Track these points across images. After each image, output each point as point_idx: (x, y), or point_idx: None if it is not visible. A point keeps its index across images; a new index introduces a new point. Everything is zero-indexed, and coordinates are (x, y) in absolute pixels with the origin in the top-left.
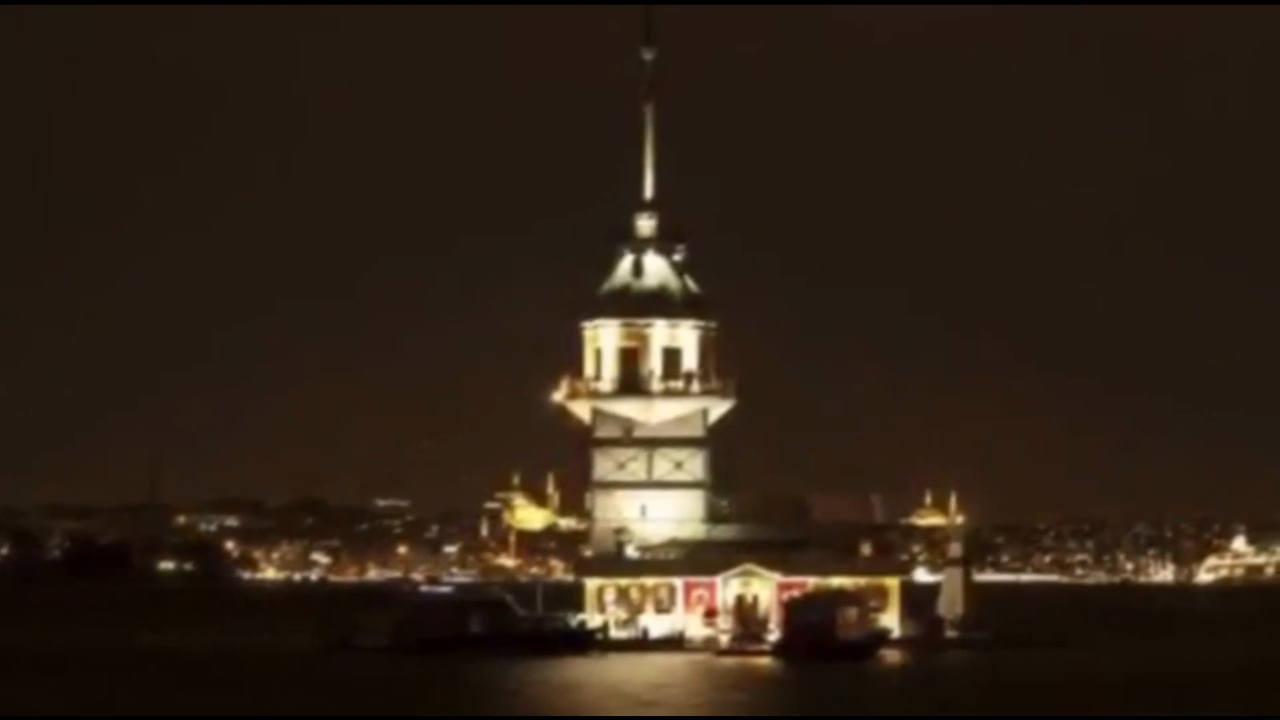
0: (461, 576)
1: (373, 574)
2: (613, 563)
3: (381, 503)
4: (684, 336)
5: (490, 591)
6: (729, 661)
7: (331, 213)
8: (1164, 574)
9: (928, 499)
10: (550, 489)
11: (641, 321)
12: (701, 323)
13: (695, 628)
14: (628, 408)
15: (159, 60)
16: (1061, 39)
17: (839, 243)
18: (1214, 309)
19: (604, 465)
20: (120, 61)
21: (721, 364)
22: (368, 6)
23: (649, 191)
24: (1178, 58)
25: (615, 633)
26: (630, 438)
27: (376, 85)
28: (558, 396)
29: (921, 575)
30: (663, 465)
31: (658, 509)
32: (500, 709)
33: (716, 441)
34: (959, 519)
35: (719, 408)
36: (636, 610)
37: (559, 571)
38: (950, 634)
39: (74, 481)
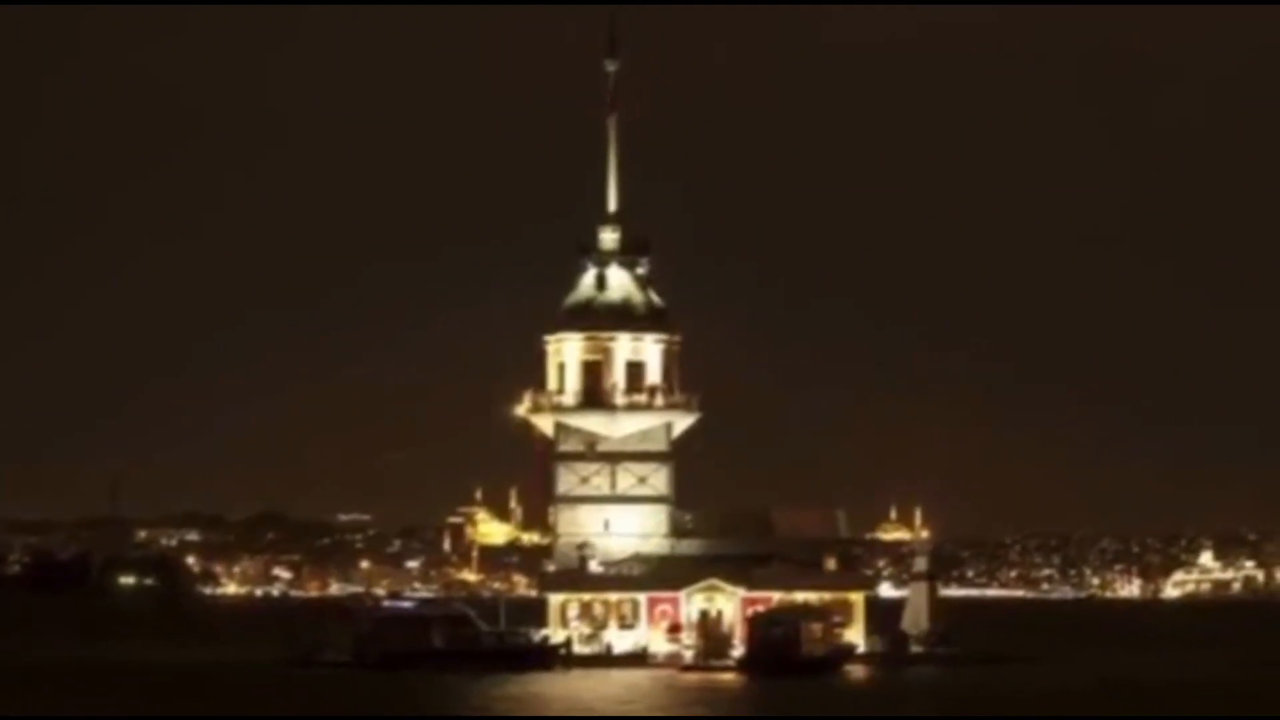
0: (424, 591)
1: (334, 589)
2: (576, 578)
3: (343, 517)
4: (647, 350)
5: (453, 606)
6: (693, 677)
7: (295, 227)
8: (1131, 589)
9: (893, 513)
10: (513, 503)
11: (605, 335)
12: (665, 336)
13: (659, 643)
14: (591, 422)
15: (129, 70)
16: (1031, 51)
17: (804, 255)
18: (1182, 322)
19: (567, 480)
20: (90, 71)
21: (685, 378)
22: (338, 21)
23: (612, 204)
24: (1148, 71)
25: (579, 648)
26: (593, 452)
27: (345, 99)
28: (520, 410)
29: (886, 590)
30: (626, 480)
31: (621, 523)
32: None
33: (680, 455)
34: (924, 533)
35: (683, 422)
36: (600, 625)
37: (522, 586)
38: (915, 649)
39: (33, 496)
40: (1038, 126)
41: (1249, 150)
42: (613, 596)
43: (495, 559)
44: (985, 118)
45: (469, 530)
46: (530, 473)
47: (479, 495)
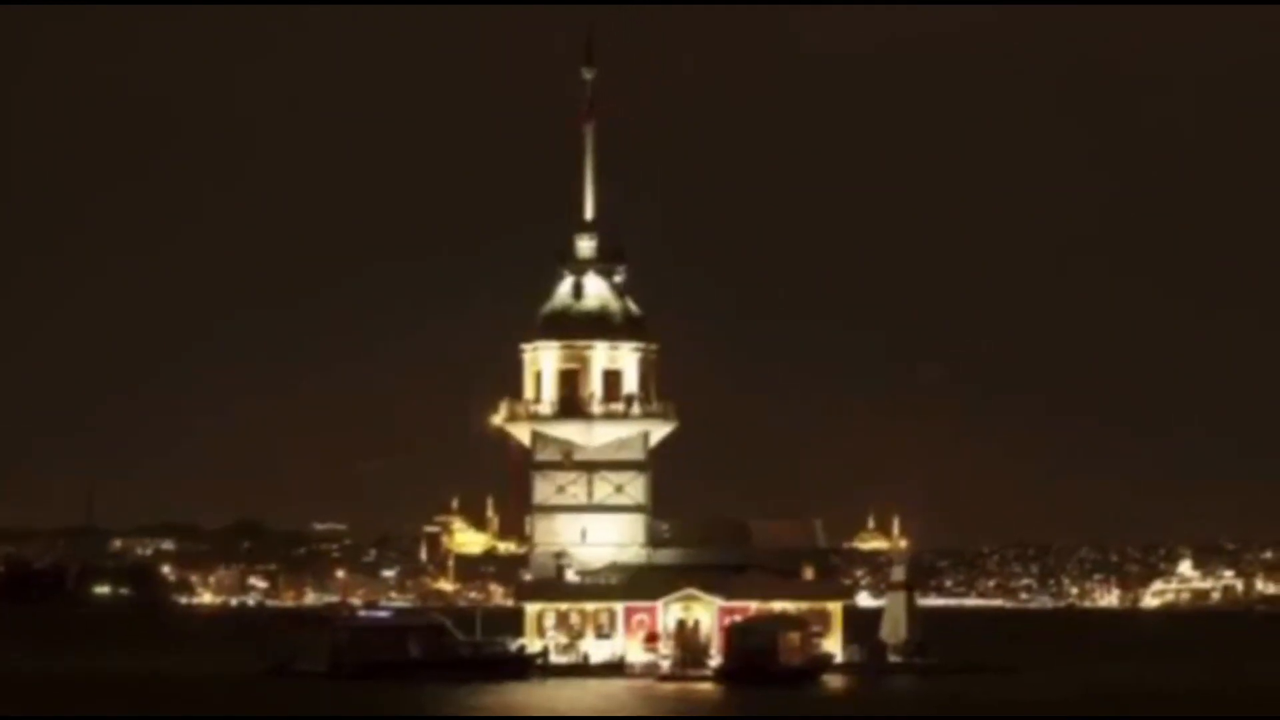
0: (400, 601)
1: (310, 598)
2: (553, 587)
3: (319, 526)
4: (624, 359)
5: (429, 616)
6: (670, 687)
7: (269, 236)
8: (1109, 598)
9: (870, 523)
10: (489, 512)
11: (582, 344)
12: (642, 345)
13: (636, 653)
14: (568, 430)
15: (97, 81)
16: (1010, 62)
17: (781, 265)
18: (1160, 332)
19: (544, 489)
20: (59, 82)
21: (662, 387)
22: (310, 30)
23: (589, 212)
24: (1126, 82)
25: (555, 658)
26: (570, 461)
27: (318, 108)
28: (497, 419)
29: (864, 600)
30: (603, 489)
31: (598, 533)
32: None
33: (657, 465)
34: (902, 543)
35: (660, 431)
36: (577, 635)
37: (498, 596)
38: (893, 659)
39: (9, 505)
40: (1018, 137)
41: (1235, 158)
42: (589, 606)
43: (472, 568)
44: (967, 128)
45: (445, 539)
46: (507, 482)
47: (455, 504)
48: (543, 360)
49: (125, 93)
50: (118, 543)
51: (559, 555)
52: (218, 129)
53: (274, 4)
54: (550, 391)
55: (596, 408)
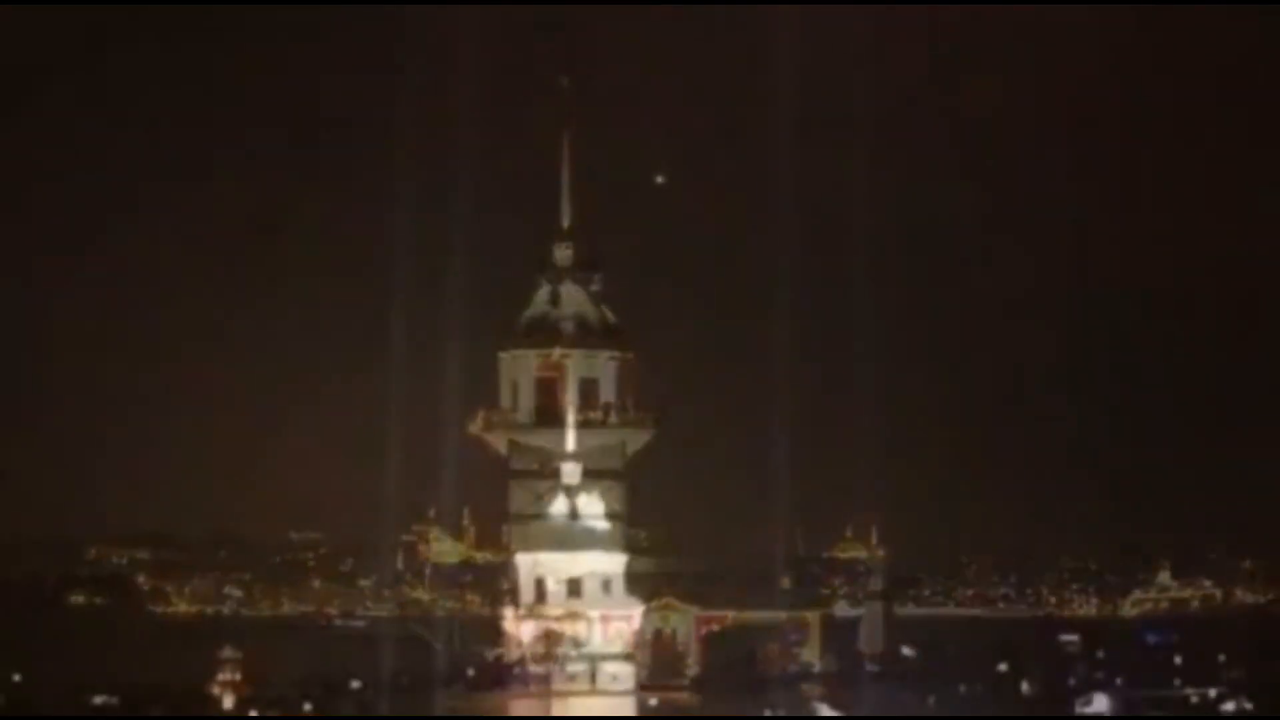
0: (376, 610)
1: (287, 608)
2: (529, 596)
3: (295, 535)
4: (602, 367)
5: (406, 625)
6: (647, 696)
7: (249, 239)
8: (1088, 608)
9: (849, 532)
10: (466, 522)
11: (558, 352)
12: (619, 353)
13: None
14: (544, 439)
15: (84, 75)
16: (985, 97)
17: (761, 272)
18: (1137, 337)
19: (521, 497)
20: (40, 71)
21: (640, 395)
22: (288, 27)
23: (566, 220)
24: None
25: (531, 667)
26: (548, 469)
27: (300, 105)
28: (473, 428)
29: (842, 609)
30: (580, 497)
31: (575, 541)
32: None
33: (635, 473)
34: (880, 552)
35: (638, 439)
36: (553, 644)
37: (475, 605)
38: (871, 668)
39: None
40: (1000, 150)
41: (1234, 159)
42: (566, 615)
43: (449, 577)
44: (951, 133)
45: (422, 549)
46: (484, 491)
47: (432, 513)
48: (519, 368)
49: (108, 88)
50: (93, 551)
51: (536, 563)
52: (199, 116)
53: (272, 4)
54: (527, 400)
55: (573, 416)
